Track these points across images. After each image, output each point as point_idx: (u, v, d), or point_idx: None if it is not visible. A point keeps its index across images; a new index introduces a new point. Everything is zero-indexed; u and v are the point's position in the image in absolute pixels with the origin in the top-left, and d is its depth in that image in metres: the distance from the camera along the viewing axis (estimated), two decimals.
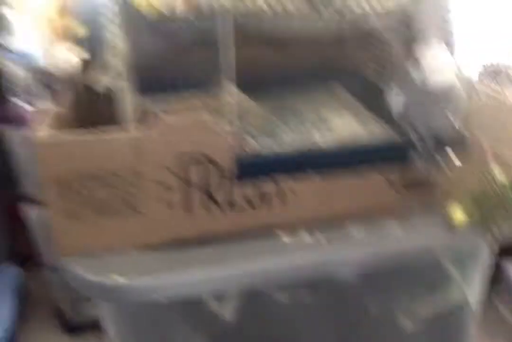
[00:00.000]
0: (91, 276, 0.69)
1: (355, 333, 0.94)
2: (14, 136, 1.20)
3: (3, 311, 1.35)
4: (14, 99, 1.20)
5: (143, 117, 0.72)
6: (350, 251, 0.79)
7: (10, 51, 1.15)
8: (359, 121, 0.96)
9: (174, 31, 0.77)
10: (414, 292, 0.87)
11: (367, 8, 0.84)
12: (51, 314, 1.51)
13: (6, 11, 1.31)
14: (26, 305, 1.50)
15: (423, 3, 0.91)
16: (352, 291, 0.83)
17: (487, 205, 0.78)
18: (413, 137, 0.84)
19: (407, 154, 0.84)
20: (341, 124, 0.96)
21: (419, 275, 0.87)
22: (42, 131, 0.67)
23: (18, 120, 1.20)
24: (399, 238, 0.81)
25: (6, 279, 1.46)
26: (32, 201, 1.27)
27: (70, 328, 1.50)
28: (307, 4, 0.81)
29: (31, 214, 1.30)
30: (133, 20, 0.73)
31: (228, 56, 0.75)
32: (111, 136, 0.67)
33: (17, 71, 1.18)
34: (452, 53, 0.84)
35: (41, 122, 0.70)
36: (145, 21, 0.75)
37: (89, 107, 0.79)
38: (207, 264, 0.73)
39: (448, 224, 0.81)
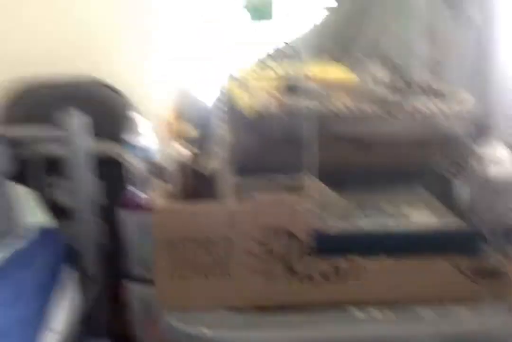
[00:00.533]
0: (183, 327, 0.79)
1: None
2: (128, 218, 1.38)
3: None
4: (131, 187, 1.40)
5: (238, 195, 0.87)
6: (418, 331, 0.84)
7: (133, 146, 1.38)
8: (432, 212, 1.04)
9: (268, 127, 0.93)
10: None
11: (436, 110, 0.96)
12: None
13: (134, 115, 1.59)
14: None
15: (488, 104, 1.02)
16: None
17: None
18: (483, 228, 0.90)
19: (477, 244, 0.90)
20: (414, 214, 1.04)
21: None
22: (159, 203, 0.83)
23: (132, 205, 1.39)
24: (467, 323, 0.85)
25: None
26: (135, 279, 1.42)
27: None
28: (382, 107, 0.95)
29: (132, 292, 1.44)
30: (236, 118, 0.91)
31: (312, 149, 0.89)
32: (211, 208, 0.81)
33: (136, 163, 1.40)
34: None
35: (157, 197, 0.86)
36: (245, 119, 0.92)
37: (195, 186, 0.95)
38: (282, 328, 0.81)
39: None
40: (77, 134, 1.45)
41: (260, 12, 1.04)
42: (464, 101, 1.04)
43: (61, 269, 1.34)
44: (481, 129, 1.02)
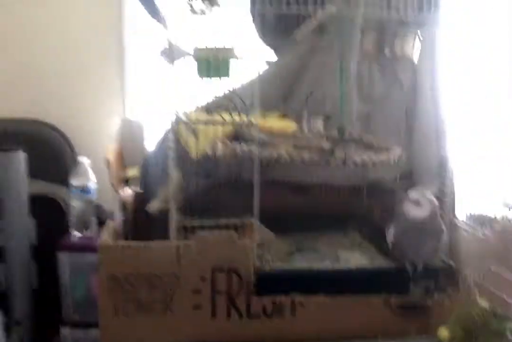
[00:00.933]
0: None
1: None
2: (64, 260, 1.36)
3: None
4: (72, 229, 1.39)
5: (184, 233, 0.90)
6: None
7: (75, 188, 1.38)
8: (364, 254, 1.11)
9: (213, 170, 0.99)
10: None
11: (366, 159, 1.04)
12: None
13: (75, 155, 1.61)
14: None
15: (412, 153, 1.13)
16: None
17: (471, 327, 0.88)
18: (408, 267, 0.98)
19: (404, 282, 0.97)
20: (348, 256, 1.11)
21: None
22: (104, 240, 0.85)
23: (70, 247, 1.38)
24: None
25: None
26: (69, 323, 1.38)
27: None
28: (318, 155, 1.02)
29: (65, 337, 1.39)
30: (182, 160, 0.95)
31: (254, 193, 0.95)
32: (157, 245, 0.84)
33: (77, 205, 1.39)
34: (445, 194, 1.02)
35: (102, 235, 0.88)
36: (191, 161, 0.97)
37: (140, 225, 0.98)
38: None
39: None
40: (14, 173, 1.44)
41: (216, 71, 1.08)
42: (391, 151, 1.14)
43: None
44: (406, 176, 1.12)
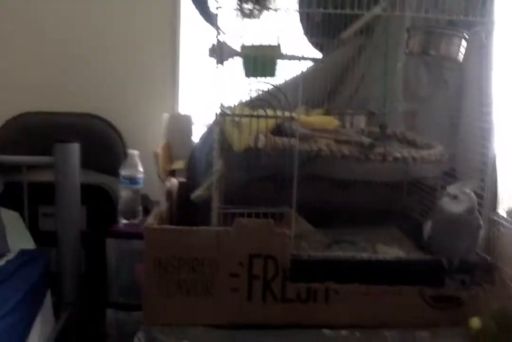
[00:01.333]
0: (166, 340, 0.85)
1: None
2: (111, 246, 1.42)
3: None
4: (119, 217, 1.46)
5: (224, 220, 0.94)
6: None
7: (124, 179, 1.45)
8: (403, 251, 1.11)
9: (256, 162, 1.02)
10: None
11: (406, 154, 1.06)
12: None
13: (124, 145, 1.69)
14: None
15: (463, 151, 1.13)
16: None
17: (505, 321, 0.89)
18: (443, 260, 0.99)
19: (438, 275, 0.98)
20: (387, 252, 1.12)
21: None
22: (149, 223, 0.90)
23: (117, 233, 1.44)
24: None
25: None
26: (114, 306, 1.44)
27: None
28: (358, 150, 1.04)
29: (111, 319, 1.46)
30: (225, 151, 0.99)
31: (294, 185, 0.97)
32: (199, 230, 0.89)
33: (125, 195, 1.46)
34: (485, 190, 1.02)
35: (148, 219, 0.94)
36: (234, 153, 1.01)
37: (184, 212, 1.03)
38: None
39: (469, 335, 0.91)
40: (68, 163, 1.52)
41: (263, 70, 1.11)
42: (433, 148, 1.14)
43: (38, 292, 1.37)
44: (447, 172, 1.13)
